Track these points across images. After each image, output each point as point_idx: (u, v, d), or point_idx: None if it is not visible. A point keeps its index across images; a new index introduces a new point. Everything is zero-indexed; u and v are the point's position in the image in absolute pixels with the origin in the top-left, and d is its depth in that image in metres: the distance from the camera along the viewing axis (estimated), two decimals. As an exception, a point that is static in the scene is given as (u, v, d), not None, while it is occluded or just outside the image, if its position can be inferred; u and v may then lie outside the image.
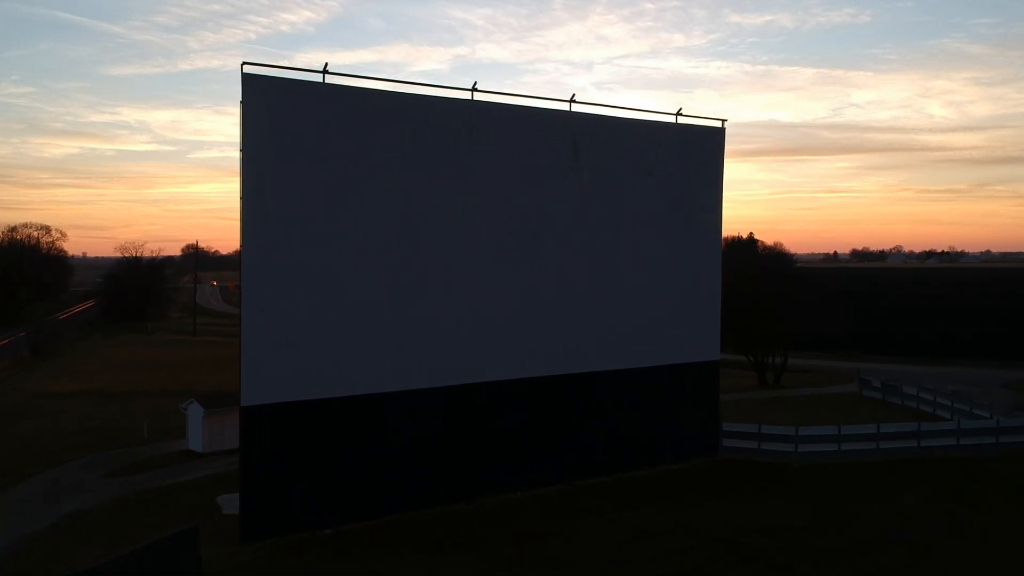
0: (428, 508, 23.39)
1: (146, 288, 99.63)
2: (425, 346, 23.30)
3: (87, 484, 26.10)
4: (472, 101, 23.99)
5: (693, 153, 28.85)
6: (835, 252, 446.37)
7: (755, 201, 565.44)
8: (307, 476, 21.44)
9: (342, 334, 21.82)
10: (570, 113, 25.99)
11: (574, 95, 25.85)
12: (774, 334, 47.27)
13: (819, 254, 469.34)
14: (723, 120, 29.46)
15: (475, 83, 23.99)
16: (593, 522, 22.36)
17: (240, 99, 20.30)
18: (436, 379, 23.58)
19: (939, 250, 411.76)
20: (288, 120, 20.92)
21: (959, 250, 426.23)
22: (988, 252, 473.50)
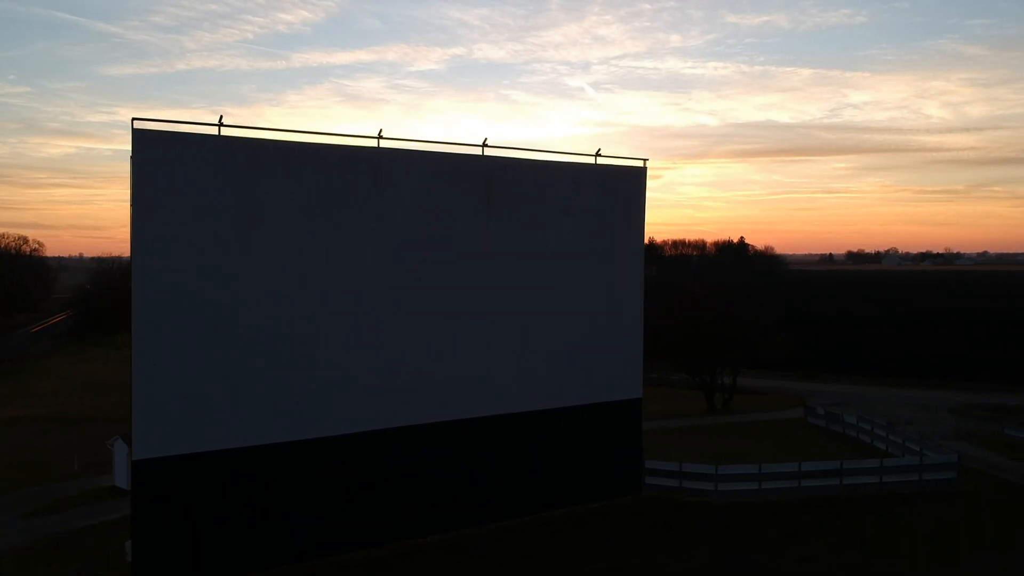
0: (334, 555, 23.46)
1: (122, 298, 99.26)
2: (326, 395, 23.34)
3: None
4: (378, 148, 24.03)
5: (614, 192, 28.90)
6: (830, 254, 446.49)
7: (752, 202, 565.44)
8: (203, 528, 21.48)
9: (237, 386, 21.86)
10: (484, 157, 26.04)
11: (486, 139, 25.91)
12: (723, 355, 47.17)
13: (816, 255, 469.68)
14: (645, 160, 29.55)
15: (380, 130, 24.04)
16: (497, 566, 22.43)
17: (130, 154, 20.38)
18: (340, 427, 23.63)
19: (935, 252, 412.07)
20: (180, 174, 20.95)
21: (955, 251, 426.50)
22: (985, 253, 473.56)
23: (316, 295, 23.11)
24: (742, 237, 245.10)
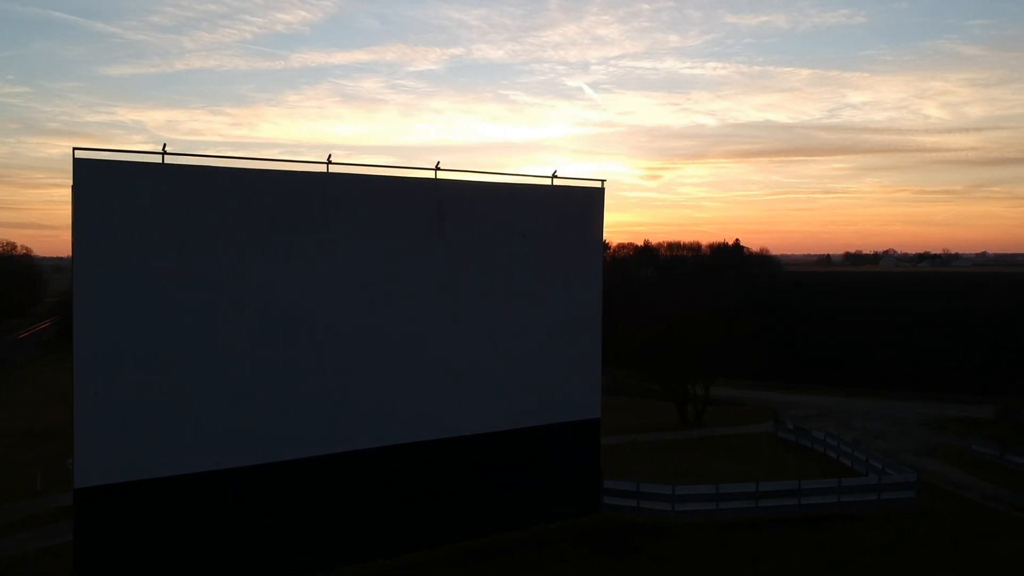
0: (282, 580, 23.52)
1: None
2: (275, 420, 23.38)
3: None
4: (327, 174, 24.08)
5: (570, 213, 28.93)
6: (828, 255, 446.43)
7: (752, 202, 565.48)
8: (149, 558, 21.54)
9: (183, 412, 21.91)
10: (436, 181, 26.08)
11: (439, 163, 25.98)
12: (696, 367, 47.14)
13: (814, 255, 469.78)
14: (602, 180, 29.60)
15: (329, 156, 24.10)
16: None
17: (72, 184, 20.44)
18: (288, 452, 23.68)
19: (934, 252, 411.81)
20: (122, 203, 20.99)
21: (953, 252, 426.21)
22: (984, 254, 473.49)
23: (263, 321, 23.15)
24: (737, 239, 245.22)
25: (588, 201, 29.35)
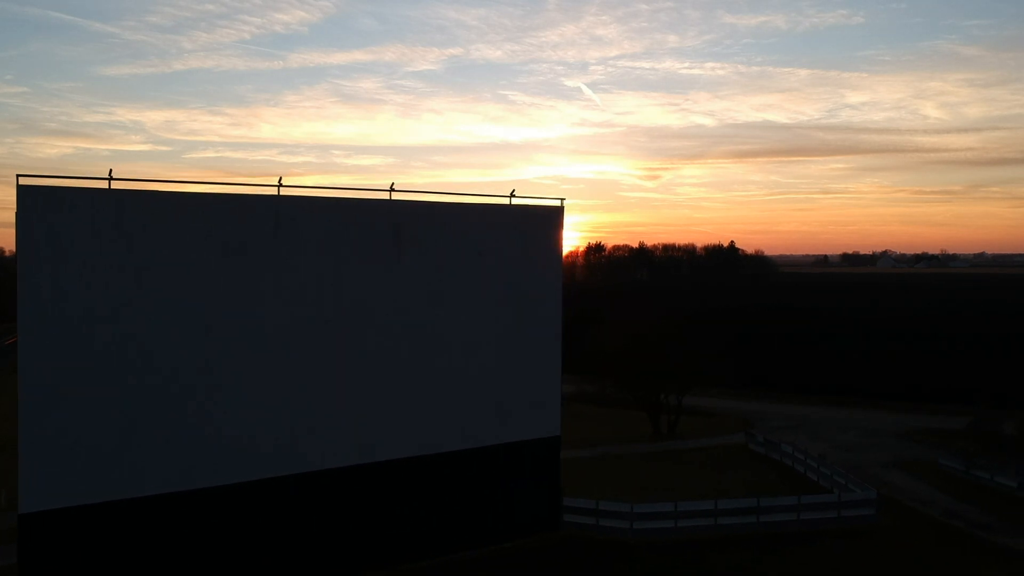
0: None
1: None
2: (226, 443, 23.45)
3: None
4: (279, 196, 24.14)
5: (529, 232, 29.01)
6: (825, 256, 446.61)
7: (750, 202, 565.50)
8: (94, 580, 21.59)
9: (128, 436, 21.98)
10: (392, 202, 26.16)
11: (393, 184, 26.06)
12: (669, 377, 47.07)
13: (812, 256, 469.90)
14: (562, 199, 29.70)
15: (280, 178, 24.18)
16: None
17: (16, 210, 20.53)
18: (240, 474, 23.74)
19: (931, 253, 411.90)
20: (66, 229, 21.05)
21: (951, 252, 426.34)
22: (983, 254, 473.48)
23: (213, 344, 23.20)
24: (732, 241, 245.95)
25: (547, 220, 29.42)
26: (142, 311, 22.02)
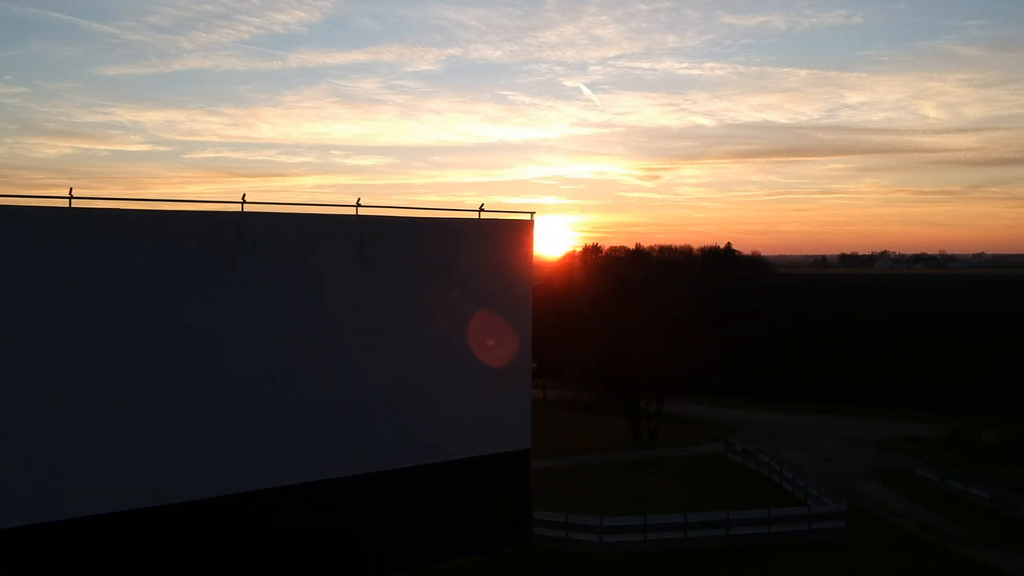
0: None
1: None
2: (188, 459, 23.47)
3: None
4: (241, 213, 24.16)
5: (499, 246, 28.94)
6: (823, 257, 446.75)
7: (750, 203, 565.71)
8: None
9: (72, 455, 21.95)
10: (357, 217, 26.19)
11: (360, 199, 26.06)
12: (648, 384, 47.03)
13: (811, 256, 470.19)
14: (532, 212, 29.60)
15: (244, 195, 24.15)
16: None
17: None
18: (201, 491, 23.75)
19: (930, 253, 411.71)
20: (20, 248, 21.09)
21: (950, 253, 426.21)
22: (982, 255, 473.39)
23: (173, 363, 23.23)
24: (729, 243, 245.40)
25: (517, 233, 29.35)
26: (99, 330, 22.00)
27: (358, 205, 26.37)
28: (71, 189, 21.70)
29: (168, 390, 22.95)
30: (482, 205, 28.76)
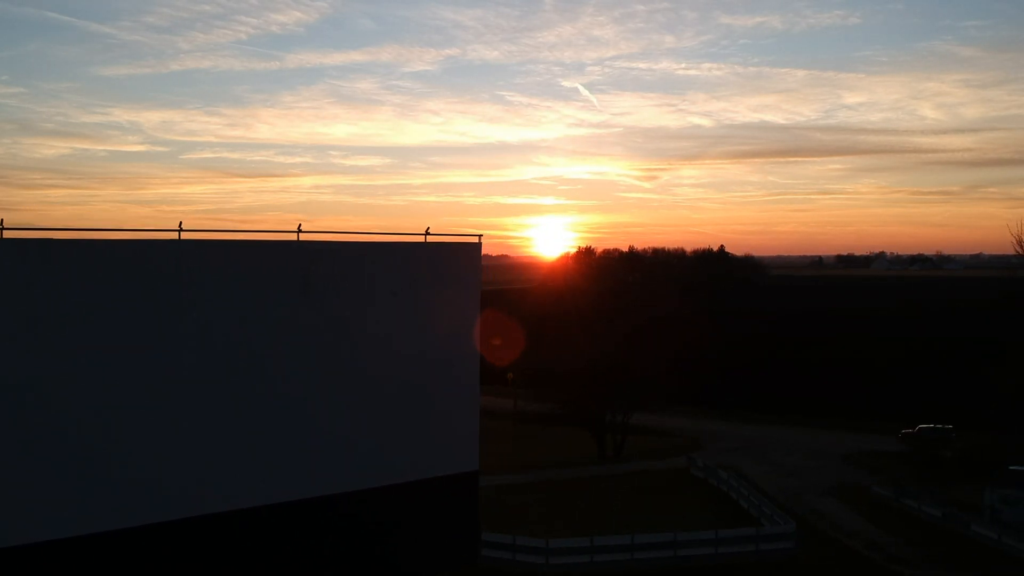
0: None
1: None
2: (127, 486, 23.67)
3: None
4: (179, 241, 24.33)
5: (445, 270, 29.03)
6: (819, 257, 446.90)
7: (749, 203, 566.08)
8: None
9: (30, 480, 22.18)
10: (300, 243, 26.35)
11: (300, 225, 26.22)
12: (615, 395, 46.99)
13: (809, 257, 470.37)
14: (479, 235, 29.78)
15: (180, 223, 24.35)
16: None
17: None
18: (136, 519, 23.95)
19: (927, 255, 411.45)
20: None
21: (948, 254, 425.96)
22: (980, 255, 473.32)
23: (111, 392, 23.40)
24: (722, 246, 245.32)
25: (464, 256, 29.47)
26: (37, 362, 22.19)
27: (299, 232, 26.58)
28: (1, 220, 21.93)
29: (100, 423, 23.17)
30: (428, 229, 28.91)
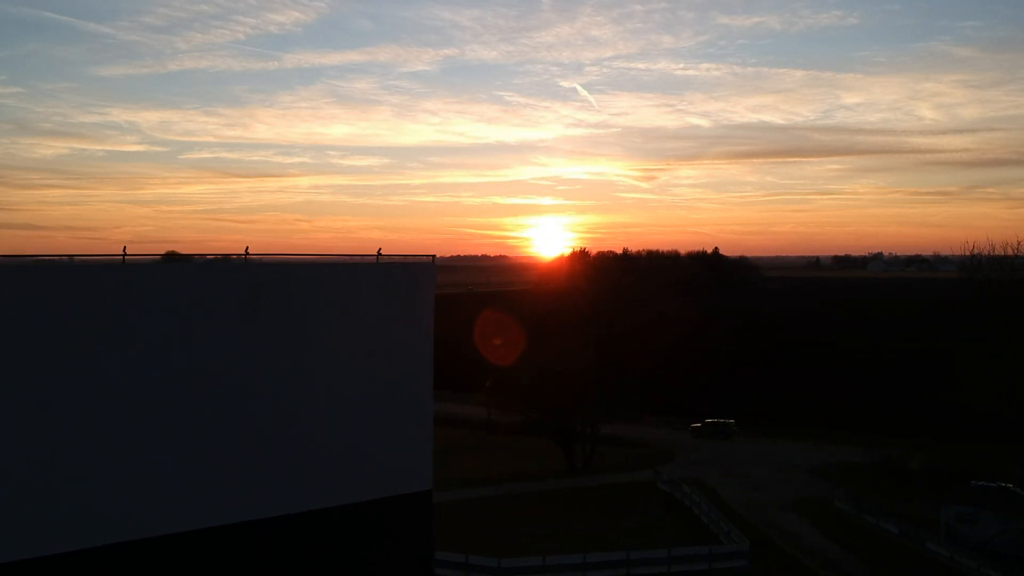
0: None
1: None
2: (70, 510, 23.70)
3: None
4: (123, 264, 24.38)
5: (397, 290, 29.13)
6: (816, 258, 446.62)
7: (747, 204, 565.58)
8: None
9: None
10: (248, 265, 26.37)
11: (248, 248, 26.32)
12: (583, 406, 46.94)
13: (805, 257, 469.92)
14: (432, 256, 29.92)
15: (125, 247, 24.41)
16: None
17: None
18: (86, 541, 23.96)
19: (924, 255, 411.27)
20: None
21: (944, 255, 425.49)
22: (978, 255, 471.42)
23: (56, 416, 23.41)
24: (716, 248, 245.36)
25: (416, 276, 29.51)
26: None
27: (247, 254, 26.62)
28: (-58, 247, 21.87)
29: (47, 445, 23.19)
30: (380, 249, 29.02)
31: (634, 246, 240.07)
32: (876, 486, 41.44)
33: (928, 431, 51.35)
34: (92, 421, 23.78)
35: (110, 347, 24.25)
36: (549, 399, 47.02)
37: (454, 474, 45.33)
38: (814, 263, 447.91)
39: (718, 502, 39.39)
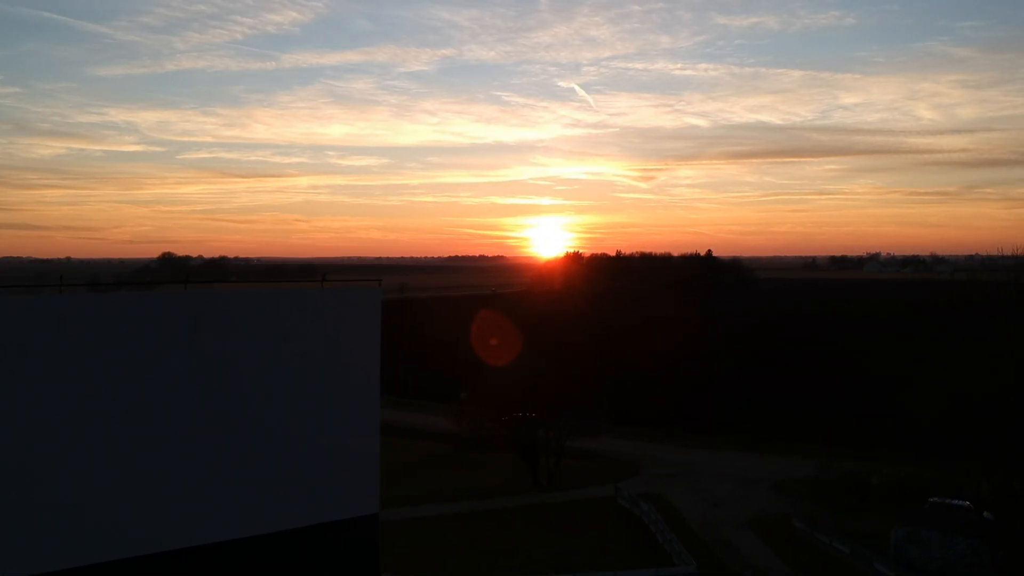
0: None
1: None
2: (9, 539, 23.89)
3: None
4: (61, 295, 24.59)
5: (344, 316, 29.35)
6: (813, 259, 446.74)
7: (746, 204, 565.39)
8: None
9: None
10: (188, 293, 26.58)
11: (188, 275, 26.50)
12: (550, 419, 47.01)
13: (803, 258, 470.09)
14: (379, 280, 30.10)
15: (61, 276, 24.63)
16: None
17: None
18: (23, 568, 24.18)
19: (922, 256, 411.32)
20: None
21: (942, 255, 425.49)
22: (975, 256, 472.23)
23: (-12, 446, 23.61)
24: (709, 250, 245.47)
25: (363, 302, 29.73)
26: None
27: (187, 281, 26.79)
28: None
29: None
30: (324, 275, 29.30)
31: (632, 246, 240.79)
32: (838, 502, 41.63)
33: (904, 444, 51.38)
34: (33, 451, 24.01)
35: (48, 379, 24.51)
36: (514, 410, 47.34)
37: (422, 488, 45.54)
38: (811, 264, 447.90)
39: (676, 519, 39.57)
